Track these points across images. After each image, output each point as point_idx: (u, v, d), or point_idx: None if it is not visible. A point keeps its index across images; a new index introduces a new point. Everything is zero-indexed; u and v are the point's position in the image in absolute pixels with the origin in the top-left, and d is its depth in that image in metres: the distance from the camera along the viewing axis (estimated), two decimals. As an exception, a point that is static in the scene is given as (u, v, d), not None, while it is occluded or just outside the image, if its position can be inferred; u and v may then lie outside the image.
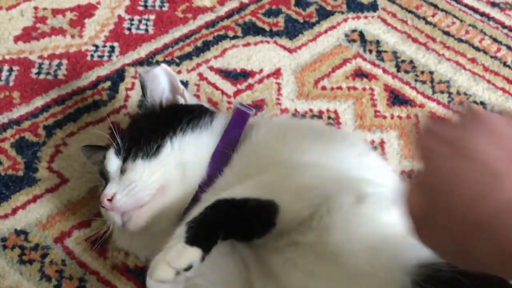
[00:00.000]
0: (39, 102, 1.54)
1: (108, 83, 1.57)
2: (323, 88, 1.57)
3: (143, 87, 1.27)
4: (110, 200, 1.14)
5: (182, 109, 1.25)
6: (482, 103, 1.54)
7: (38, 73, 1.60)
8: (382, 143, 1.47)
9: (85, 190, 1.39)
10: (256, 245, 1.04)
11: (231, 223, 1.00)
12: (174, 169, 1.16)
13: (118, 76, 1.59)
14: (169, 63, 1.61)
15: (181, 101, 1.28)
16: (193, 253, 0.94)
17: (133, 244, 1.24)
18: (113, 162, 1.20)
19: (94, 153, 1.35)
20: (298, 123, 1.23)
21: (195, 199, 1.16)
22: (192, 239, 0.96)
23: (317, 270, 0.97)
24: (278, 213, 0.99)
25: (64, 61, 1.62)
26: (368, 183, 1.06)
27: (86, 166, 1.41)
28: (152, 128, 1.20)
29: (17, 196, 1.37)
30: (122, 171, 1.18)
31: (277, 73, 1.60)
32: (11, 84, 1.57)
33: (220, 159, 1.17)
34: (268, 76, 1.59)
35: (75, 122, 1.50)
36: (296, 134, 1.17)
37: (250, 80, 1.59)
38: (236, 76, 1.59)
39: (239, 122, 1.22)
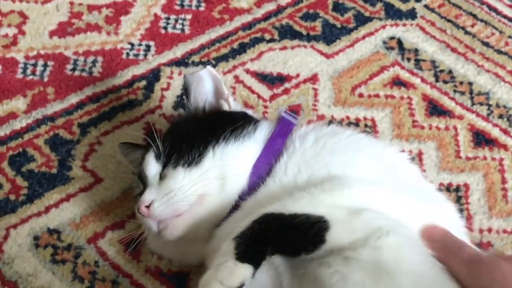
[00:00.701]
0: (73, 99, 1.52)
1: (144, 83, 1.56)
2: (360, 95, 1.54)
3: (186, 89, 1.25)
4: (147, 207, 1.12)
5: (226, 116, 1.23)
6: (522, 116, 1.51)
7: (73, 70, 1.59)
8: (420, 154, 1.44)
9: (119, 191, 1.37)
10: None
11: (279, 239, 0.97)
12: (214, 180, 1.13)
13: (153, 75, 1.58)
14: (205, 64, 1.58)
15: (225, 106, 1.25)
16: (245, 270, 0.93)
17: (167, 249, 1.23)
18: (152, 166, 1.18)
19: (131, 151, 1.33)
20: (352, 136, 1.19)
21: (234, 207, 1.13)
22: (242, 256, 0.94)
23: (370, 287, 0.94)
24: (328, 230, 0.97)
25: (99, 58, 1.61)
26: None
27: (120, 166, 1.40)
28: (194, 134, 1.18)
29: (50, 194, 1.36)
30: (162, 177, 1.16)
31: (314, 78, 1.58)
32: (45, 79, 1.56)
33: (262, 169, 1.14)
34: (305, 81, 1.58)
35: (110, 121, 1.49)
36: (350, 147, 1.15)
37: (287, 85, 1.57)
38: (273, 80, 1.57)
39: (283, 131, 1.19)
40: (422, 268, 0.97)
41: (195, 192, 1.12)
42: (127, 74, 1.58)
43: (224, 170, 1.14)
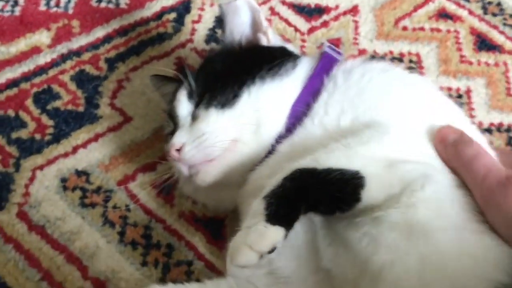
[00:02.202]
0: (100, 32, 1.44)
1: (173, 15, 1.47)
2: (404, 28, 1.45)
3: (222, 21, 1.15)
4: (178, 150, 1.04)
5: (264, 52, 1.13)
6: None
7: (99, 1, 1.50)
8: (468, 91, 1.35)
9: (149, 130, 1.30)
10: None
11: (313, 197, 0.88)
12: (249, 122, 1.04)
13: (184, 7, 1.49)
14: (237, -5, 1.48)
15: (263, 40, 1.15)
16: (277, 233, 0.84)
17: (200, 194, 1.15)
18: (184, 105, 1.10)
19: (164, 84, 1.25)
20: (406, 77, 1.10)
21: (271, 151, 1.04)
22: (273, 217, 0.85)
23: (405, 247, 0.86)
24: (364, 187, 0.87)
25: (127, -12, 1.51)
26: None
27: (151, 104, 1.33)
28: (229, 72, 1.09)
29: (77, 133, 1.29)
30: (194, 117, 1.07)
31: (354, 10, 1.48)
32: (70, 11, 1.48)
33: (301, 111, 1.05)
34: (345, 13, 1.48)
35: (139, 56, 1.41)
36: (402, 90, 1.04)
37: (325, 17, 1.47)
38: (310, 12, 1.48)
39: (325, 68, 1.09)
40: (460, 222, 0.88)
41: (228, 137, 1.04)
42: (155, 6, 1.49)
43: (260, 110, 1.05)
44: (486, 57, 1.40)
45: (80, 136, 1.28)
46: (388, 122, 0.97)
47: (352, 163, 0.90)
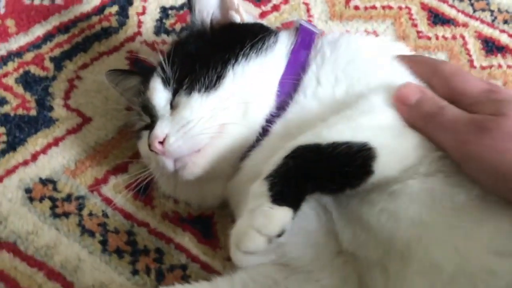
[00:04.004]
0: (39, 30, 1.33)
1: (115, 8, 1.38)
2: (356, 7, 1.41)
3: (190, 1, 1.07)
4: (161, 142, 0.95)
5: (242, 29, 1.06)
6: (527, 20, 1.41)
7: (32, -2, 1.37)
8: (430, 66, 1.32)
9: (113, 130, 1.20)
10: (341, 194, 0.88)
11: (319, 174, 0.82)
12: (236, 104, 0.97)
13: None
14: (179, -17, 1.41)
15: (237, 18, 1.08)
16: (284, 214, 0.79)
17: (182, 191, 1.07)
18: (160, 94, 1.00)
19: (123, 79, 1.16)
20: (390, 44, 1.07)
21: (262, 134, 0.98)
22: (279, 197, 0.79)
23: (430, 219, 0.81)
24: (376, 158, 0.82)
25: (59, -16, 1.40)
26: None
27: (109, 101, 1.23)
28: (208, 53, 1.01)
29: (34, 139, 1.18)
30: (173, 106, 0.99)
31: (302, -8, 1.43)
32: (2, 11, 1.35)
33: (290, 85, 0.99)
34: (294, -5, 1.42)
35: (86, 52, 1.30)
36: (390, 56, 1.00)
37: (275, 1, 1.42)
38: (258, -4, 1.41)
39: (306, 41, 1.03)
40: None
41: (215, 122, 0.96)
42: (94, 0, 1.38)
43: (247, 90, 0.98)
44: (443, 31, 1.39)
45: (37, 141, 1.17)
46: (387, 88, 0.92)
47: (358, 135, 0.84)
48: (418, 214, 0.81)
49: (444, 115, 0.84)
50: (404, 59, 0.97)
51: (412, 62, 0.96)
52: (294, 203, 0.80)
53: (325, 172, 0.82)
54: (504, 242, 0.78)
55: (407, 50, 1.09)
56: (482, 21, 1.40)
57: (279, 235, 0.77)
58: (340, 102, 0.93)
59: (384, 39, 1.09)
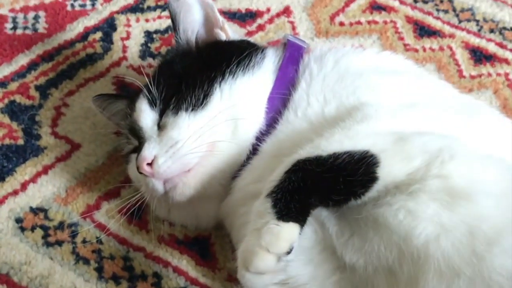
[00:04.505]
0: (22, 60, 1.32)
1: (99, 34, 1.37)
2: (341, 24, 1.41)
3: (174, 20, 1.06)
4: (150, 164, 0.93)
5: (228, 46, 1.05)
6: (512, 29, 1.41)
7: (14, 28, 1.38)
8: (421, 78, 1.31)
9: (103, 155, 1.18)
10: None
11: (323, 186, 0.81)
12: (225, 123, 0.95)
13: (108, 25, 1.39)
14: (162, 8, 1.40)
15: (222, 36, 1.07)
16: (292, 230, 0.78)
17: (176, 213, 1.05)
18: (147, 115, 0.99)
19: (110, 103, 1.14)
20: (378, 55, 1.07)
21: (252, 153, 0.96)
22: (284, 213, 0.78)
23: (449, 218, 0.79)
24: (379, 164, 0.81)
25: (42, 13, 1.40)
26: None
27: (97, 127, 1.21)
28: (194, 72, 1.00)
29: (22, 168, 1.16)
30: (161, 127, 0.97)
31: (286, 11, 1.44)
32: (-16, 42, 1.32)
33: (279, 102, 0.98)
34: (278, 15, 1.43)
35: (72, 80, 1.29)
36: (380, 68, 1.00)
37: (259, 21, 1.42)
38: (243, 17, 1.42)
39: (294, 57, 1.03)
40: (503, 184, 0.82)
41: (204, 141, 0.94)
42: (77, 27, 1.38)
43: (235, 107, 0.96)
44: (429, 42, 1.39)
45: (26, 170, 1.15)
46: (377, 99, 0.92)
47: (357, 144, 0.84)
48: (437, 212, 0.79)
49: None
50: None
51: None
52: (300, 218, 0.79)
53: (329, 183, 0.81)
54: None
55: (396, 57, 1.08)
56: (469, 31, 1.41)
57: (288, 252, 0.76)
58: (331, 120, 0.92)
59: (371, 51, 1.06)
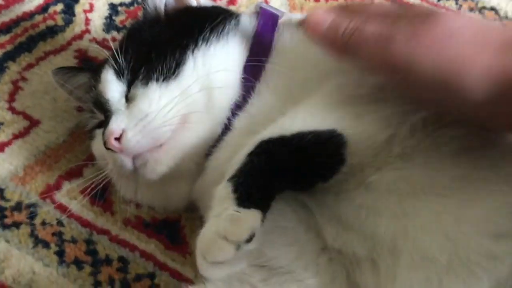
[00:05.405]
0: (-23, 31, 1.22)
1: (60, 6, 1.28)
2: (317, 0, 1.34)
3: None
4: (118, 139, 0.86)
5: (200, 13, 1.00)
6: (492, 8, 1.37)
7: (-33, -2, 1.27)
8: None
9: (64, 132, 1.11)
10: (315, 191, 0.81)
11: (287, 169, 0.76)
12: (198, 93, 0.89)
13: (70, -3, 1.29)
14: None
15: (193, 2, 1.01)
16: (253, 218, 0.71)
17: (144, 194, 0.98)
18: (114, 86, 0.92)
19: (71, 76, 1.06)
20: None
21: (227, 127, 0.90)
22: (245, 199, 0.72)
23: (413, 209, 0.75)
24: (345, 144, 0.76)
25: (-3, -18, 1.30)
26: None
27: (58, 102, 1.14)
28: (165, 40, 0.94)
29: (-24, 146, 1.06)
30: (129, 99, 0.91)
31: (259, -16, 1.36)
32: None
33: (254, 73, 0.92)
34: (252, -11, 1.35)
35: (31, 53, 1.21)
36: None
37: (230, -5, 1.33)
38: (211, -9, 1.33)
39: (269, 24, 0.97)
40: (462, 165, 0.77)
41: (177, 113, 0.88)
42: (37, -2, 1.28)
43: (209, 76, 0.90)
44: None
45: (-19, 148, 1.06)
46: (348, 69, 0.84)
47: (322, 122, 0.78)
48: (399, 205, 0.76)
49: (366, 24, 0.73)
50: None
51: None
52: (263, 204, 0.73)
53: (294, 166, 0.76)
54: (498, 222, 0.72)
55: None
56: (447, 10, 1.36)
57: (248, 241, 0.70)
58: (297, 94, 0.86)
59: None
